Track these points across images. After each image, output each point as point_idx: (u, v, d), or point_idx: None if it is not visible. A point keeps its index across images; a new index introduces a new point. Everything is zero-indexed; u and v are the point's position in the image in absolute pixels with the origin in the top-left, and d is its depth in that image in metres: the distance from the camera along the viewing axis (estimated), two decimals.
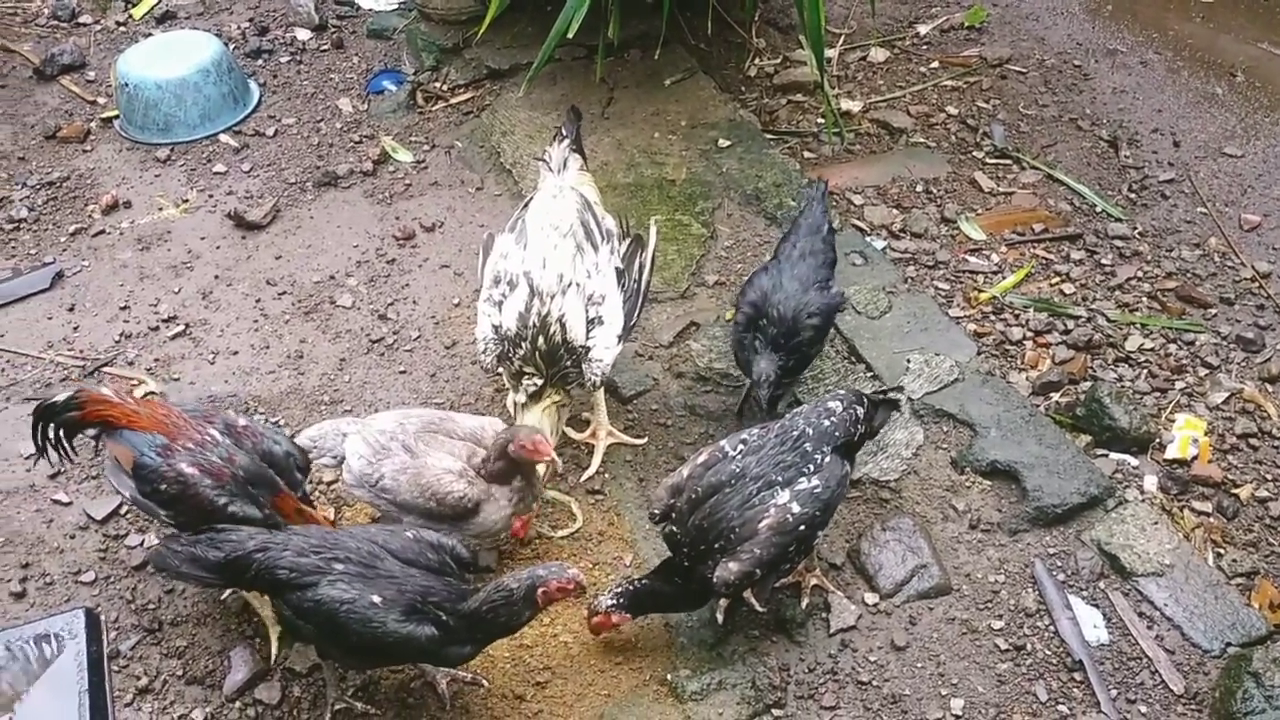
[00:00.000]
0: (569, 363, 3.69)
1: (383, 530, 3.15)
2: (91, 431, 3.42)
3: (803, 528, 3.21)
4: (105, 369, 4.38)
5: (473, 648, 3.09)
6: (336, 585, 2.97)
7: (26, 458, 3.96)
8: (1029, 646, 3.49)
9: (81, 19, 6.39)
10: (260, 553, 3.03)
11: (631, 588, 3.33)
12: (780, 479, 3.23)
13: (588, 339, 3.70)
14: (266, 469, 3.25)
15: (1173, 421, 4.18)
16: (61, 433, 3.41)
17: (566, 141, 4.15)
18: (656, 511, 3.35)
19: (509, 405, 3.91)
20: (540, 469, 3.54)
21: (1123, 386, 4.29)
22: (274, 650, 3.44)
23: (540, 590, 3.03)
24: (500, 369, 3.80)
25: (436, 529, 3.29)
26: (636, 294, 3.86)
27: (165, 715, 3.33)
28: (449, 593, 3.04)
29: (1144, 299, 4.72)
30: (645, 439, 4.07)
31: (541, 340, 3.66)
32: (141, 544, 3.74)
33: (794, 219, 4.21)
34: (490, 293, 3.82)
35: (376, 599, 2.95)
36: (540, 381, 3.69)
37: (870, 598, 3.60)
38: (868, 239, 4.89)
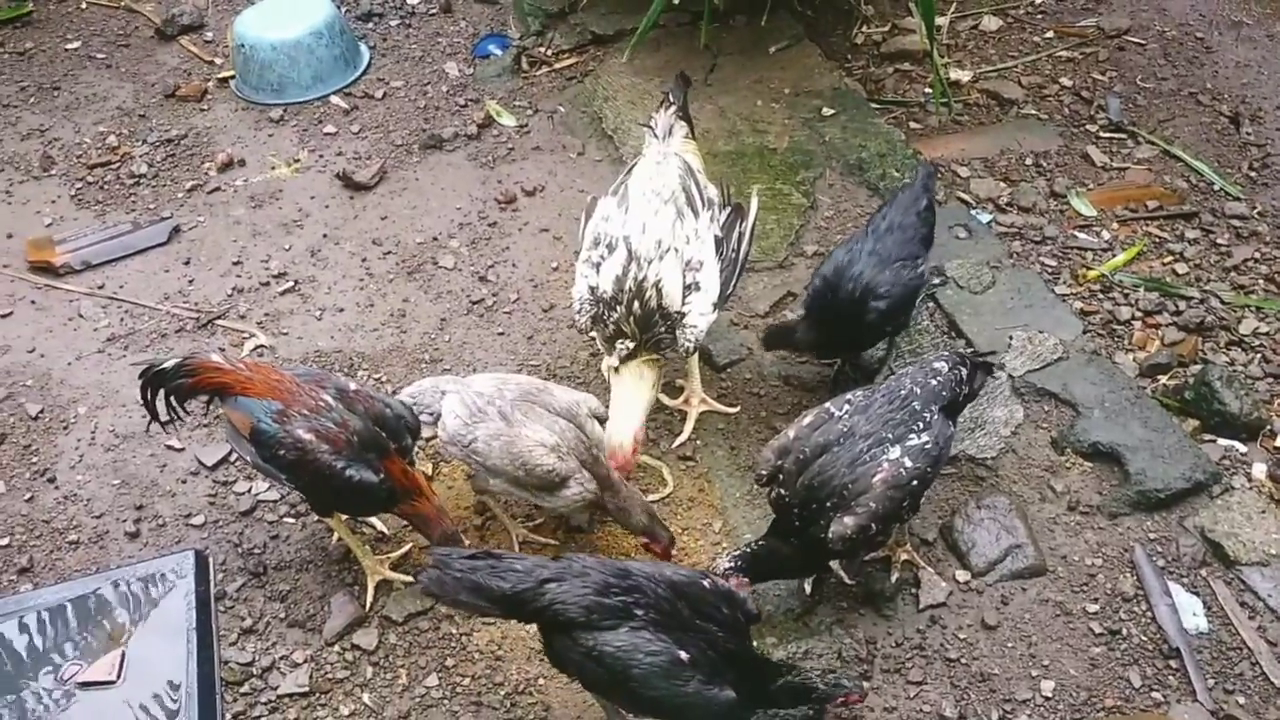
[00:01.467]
0: (663, 329, 3.71)
1: (676, 571, 2.94)
2: (204, 398, 3.48)
3: (915, 482, 3.20)
4: (218, 321, 4.53)
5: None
6: (640, 634, 2.77)
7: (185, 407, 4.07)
8: (1124, 631, 3.42)
9: None
10: (553, 583, 2.83)
11: (750, 550, 3.30)
12: (890, 435, 3.23)
13: (683, 305, 3.71)
14: (379, 432, 3.30)
15: None
16: (173, 399, 3.44)
17: (673, 108, 4.14)
18: (763, 474, 3.34)
19: (604, 369, 3.95)
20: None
21: (1234, 371, 4.15)
22: (369, 598, 3.54)
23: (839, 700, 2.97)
24: (594, 331, 3.83)
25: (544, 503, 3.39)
26: (734, 263, 3.85)
27: (267, 656, 3.46)
28: (742, 650, 2.88)
29: (1261, 281, 4.55)
30: (738, 408, 4.07)
31: (637, 305, 3.68)
32: (249, 491, 3.88)
33: (894, 192, 4.15)
34: (589, 254, 3.84)
35: (684, 656, 2.76)
36: (633, 345, 3.71)
37: (962, 575, 3.57)
38: (973, 212, 4.80)
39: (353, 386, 3.39)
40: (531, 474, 3.40)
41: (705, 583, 2.92)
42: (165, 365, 3.40)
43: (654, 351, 3.76)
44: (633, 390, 3.71)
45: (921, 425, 3.25)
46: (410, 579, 3.58)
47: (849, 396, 3.36)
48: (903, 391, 3.32)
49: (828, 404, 3.37)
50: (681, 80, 4.29)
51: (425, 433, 3.95)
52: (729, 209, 3.94)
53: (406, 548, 3.70)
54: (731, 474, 3.89)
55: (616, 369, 3.75)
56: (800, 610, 3.49)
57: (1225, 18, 5.98)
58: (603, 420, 3.60)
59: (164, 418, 3.50)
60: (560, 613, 2.82)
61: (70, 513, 3.88)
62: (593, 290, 3.77)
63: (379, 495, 3.30)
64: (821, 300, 3.82)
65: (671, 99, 4.19)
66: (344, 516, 3.58)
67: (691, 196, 3.86)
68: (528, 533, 3.70)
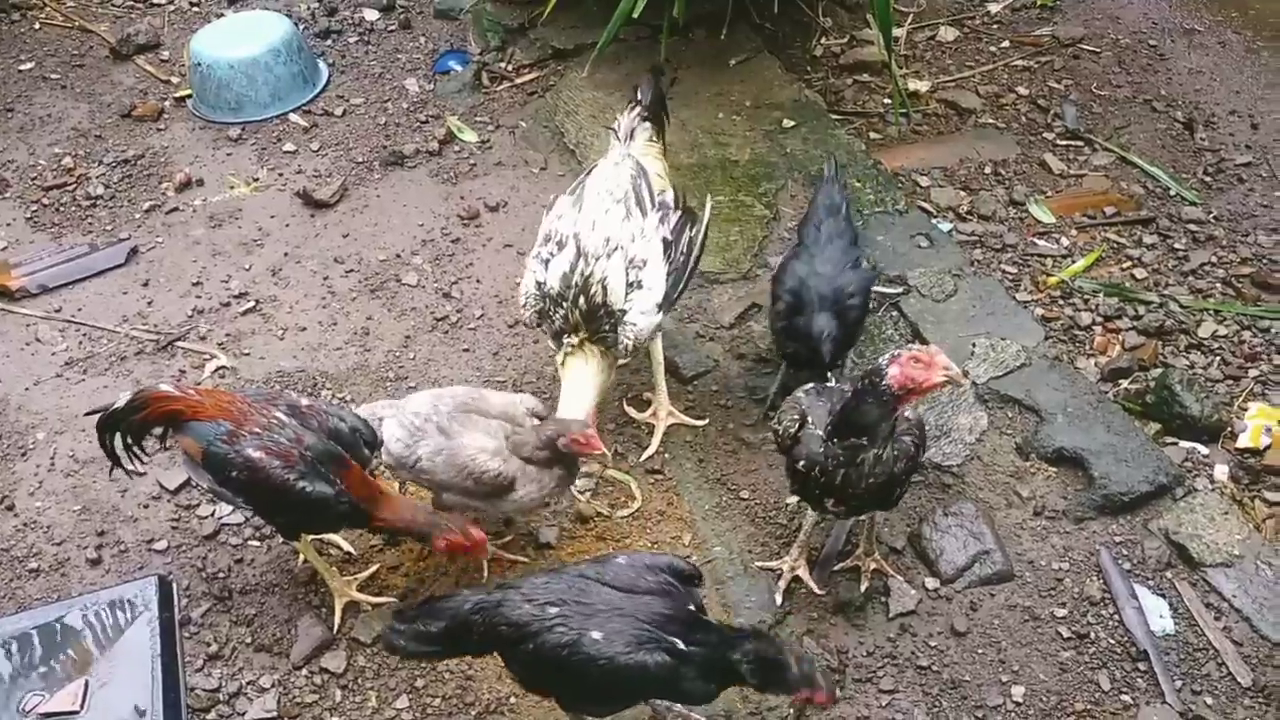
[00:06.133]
0: (607, 326, 3.70)
1: (592, 565, 2.99)
2: (158, 431, 3.40)
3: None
4: (178, 343, 4.48)
5: (717, 689, 2.90)
6: (555, 630, 2.82)
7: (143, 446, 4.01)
8: (1092, 635, 3.45)
9: (156, 0, 6.51)
10: (478, 614, 2.93)
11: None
12: None
13: (625, 302, 3.70)
14: (334, 446, 3.25)
15: (1245, 410, 4.09)
16: (129, 438, 3.40)
17: (636, 110, 4.14)
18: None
19: (556, 365, 3.92)
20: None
21: (1194, 374, 4.20)
22: (337, 621, 3.51)
23: (802, 698, 2.91)
24: (541, 326, 3.82)
25: (479, 509, 3.37)
26: (683, 268, 3.84)
27: (234, 681, 3.41)
28: (679, 616, 2.86)
29: (1218, 285, 4.61)
30: (706, 420, 4.07)
31: (582, 300, 3.67)
32: (212, 514, 3.84)
33: (812, 201, 4.16)
34: (540, 250, 3.85)
35: (597, 635, 2.80)
36: (578, 340, 3.71)
37: (931, 583, 3.58)
38: (934, 221, 4.83)
39: (305, 402, 3.35)
40: (480, 481, 3.39)
41: (621, 559, 2.97)
42: (117, 405, 3.35)
43: (600, 345, 3.74)
44: (580, 375, 3.68)
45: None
46: (379, 600, 3.55)
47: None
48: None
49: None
50: (654, 75, 4.28)
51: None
52: (680, 213, 3.94)
53: (373, 568, 3.66)
54: (700, 486, 3.89)
55: (563, 362, 3.74)
56: (771, 621, 3.49)
57: (1177, 25, 6.07)
58: (542, 417, 3.60)
59: (127, 465, 3.46)
60: (492, 634, 2.91)
61: (30, 540, 3.82)
62: (539, 286, 3.77)
63: (337, 508, 3.23)
64: (795, 312, 3.80)
65: (639, 95, 4.18)
66: (310, 538, 3.55)
67: (641, 197, 3.86)
68: (497, 550, 3.67)
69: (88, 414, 3.64)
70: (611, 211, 3.81)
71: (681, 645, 2.80)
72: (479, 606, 2.93)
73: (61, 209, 5.15)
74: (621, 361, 3.91)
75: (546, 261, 3.79)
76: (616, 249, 3.72)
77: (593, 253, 3.72)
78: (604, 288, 3.67)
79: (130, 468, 3.49)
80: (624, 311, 3.69)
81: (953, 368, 2.88)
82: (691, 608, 2.91)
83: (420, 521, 3.29)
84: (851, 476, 3.09)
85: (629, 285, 3.71)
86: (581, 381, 3.69)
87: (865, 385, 2.96)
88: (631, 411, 4.11)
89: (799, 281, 3.83)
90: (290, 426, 3.24)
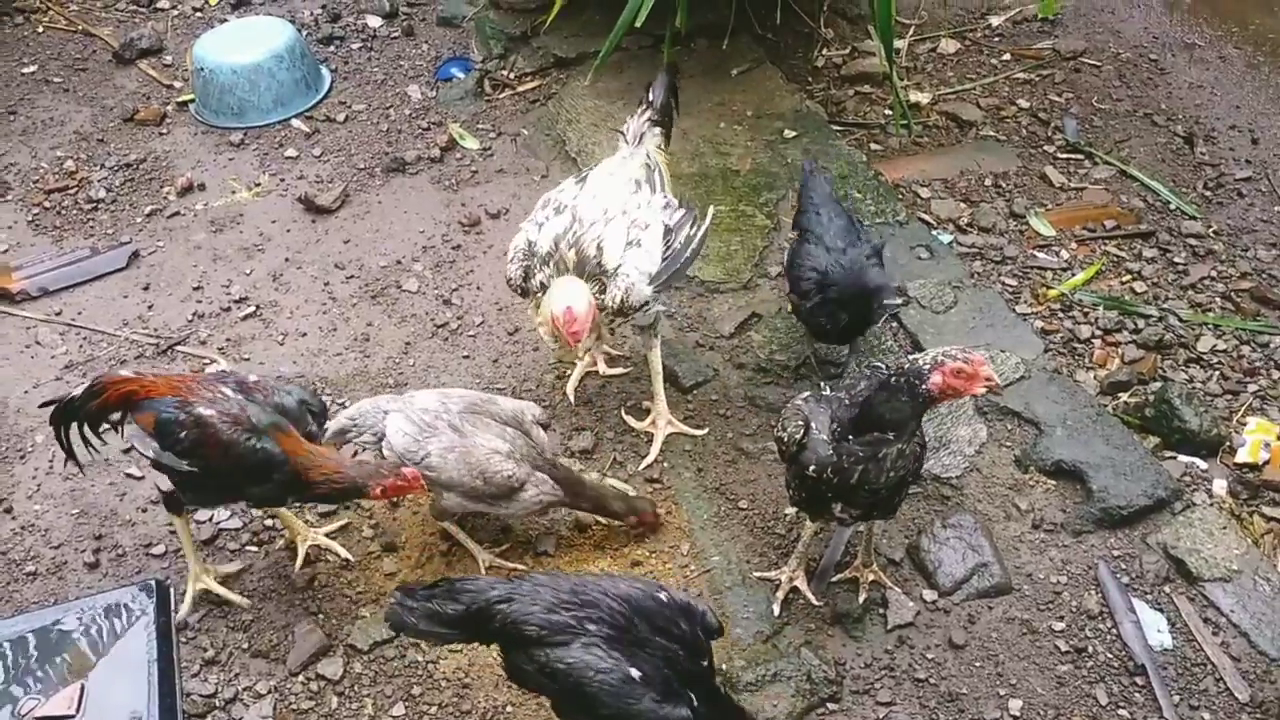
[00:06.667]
0: (598, 285, 3.65)
1: (632, 585, 2.89)
2: (116, 416, 3.42)
3: None
4: (178, 347, 4.48)
5: None
6: (593, 651, 2.75)
7: (100, 433, 4.04)
8: (1090, 649, 3.45)
9: (159, 4, 6.51)
10: (504, 604, 2.84)
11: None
12: None
13: (621, 257, 3.66)
14: (278, 417, 3.28)
15: (1244, 424, 4.09)
16: (85, 426, 3.43)
17: (647, 114, 4.14)
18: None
19: (536, 326, 3.88)
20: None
21: (1193, 388, 4.21)
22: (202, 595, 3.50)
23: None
24: (525, 283, 3.77)
25: (486, 505, 3.39)
26: (676, 258, 3.81)
27: (231, 686, 3.41)
28: (701, 674, 2.82)
29: (1217, 299, 4.62)
30: (705, 429, 4.07)
31: (573, 253, 3.66)
32: (210, 519, 3.83)
33: (803, 196, 4.22)
34: (536, 214, 3.86)
35: (635, 674, 2.73)
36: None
37: (929, 595, 3.58)
38: (934, 233, 4.84)
39: (252, 378, 3.39)
40: (490, 482, 3.41)
41: (661, 595, 2.87)
42: (74, 394, 3.39)
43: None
44: (568, 285, 3.62)
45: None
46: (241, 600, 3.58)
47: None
48: None
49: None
50: (668, 73, 4.28)
51: (366, 456, 3.92)
52: (684, 209, 3.93)
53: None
54: (699, 496, 3.89)
55: (539, 302, 3.70)
56: (769, 632, 3.49)
57: (1178, 40, 6.08)
58: (546, 425, 3.65)
59: (81, 458, 3.49)
60: (513, 631, 2.83)
61: (28, 543, 3.81)
62: (530, 244, 3.76)
63: (280, 471, 3.23)
64: (823, 289, 3.91)
65: (651, 97, 4.18)
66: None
67: (651, 181, 3.91)
68: (494, 558, 3.67)
69: (41, 405, 3.63)
70: (616, 188, 3.82)
71: (698, 705, 2.78)
72: (508, 596, 2.86)
73: (63, 212, 5.15)
74: (612, 326, 3.89)
75: (540, 225, 3.79)
76: (619, 214, 3.72)
77: (589, 219, 3.71)
78: (599, 247, 3.65)
79: (82, 460, 3.54)
80: (618, 267, 3.65)
81: (994, 379, 2.90)
82: (706, 664, 2.88)
83: (353, 474, 3.26)
84: (871, 473, 3.08)
85: (628, 244, 3.68)
86: (571, 286, 3.61)
87: (901, 384, 2.95)
88: (630, 420, 4.11)
89: (820, 263, 3.93)
90: (235, 400, 3.28)
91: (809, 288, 3.94)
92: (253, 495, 3.40)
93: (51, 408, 3.44)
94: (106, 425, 3.45)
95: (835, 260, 3.92)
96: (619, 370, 4.30)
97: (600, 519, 3.77)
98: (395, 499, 3.47)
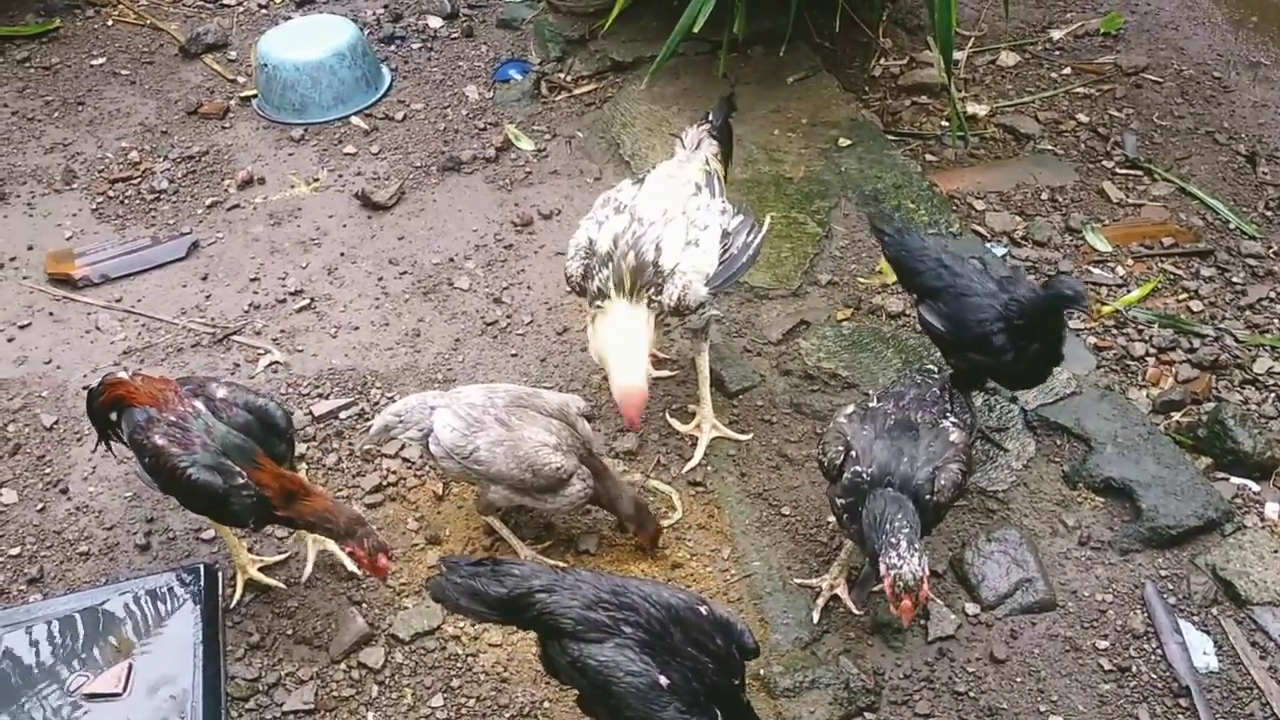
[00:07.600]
0: (653, 289, 3.66)
1: (675, 594, 2.89)
2: (114, 416, 3.52)
3: None
4: (234, 337, 4.56)
5: None
6: (625, 653, 2.77)
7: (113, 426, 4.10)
8: (1134, 669, 3.40)
9: (226, 0, 6.64)
10: (544, 593, 2.87)
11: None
12: None
13: (680, 256, 3.69)
14: (245, 440, 3.29)
15: None
16: (98, 420, 3.59)
17: (706, 126, 4.18)
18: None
19: (587, 328, 3.89)
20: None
21: (1248, 410, 4.14)
22: (238, 596, 3.53)
23: None
24: (584, 282, 3.79)
25: (534, 501, 3.43)
26: (732, 261, 3.82)
27: (274, 671, 3.46)
28: (729, 691, 2.81)
29: (1276, 320, 4.54)
30: (750, 435, 4.07)
31: (632, 255, 3.68)
32: None
33: (909, 259, 3.75)
34: (595, 212, 3.90)
35: (664, 681, 2.74)
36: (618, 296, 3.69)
37: (971, 608, 3.55)
38: (988, 245, 4.81)
39: (221, 394, 3.40)
40: (539, 474, 3.44)
41: (702, 609, 2.87)
42: (93, 386, 3.55)
43: (643, 300, 3.69)
44: (624, 329, 3.63)
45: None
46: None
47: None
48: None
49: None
50: (725, 104, 4.34)
51: (413, 452, 3.95)
52: (742, 215, 3.94)
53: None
54: (741, 500, 3.89)
55: (594, 320, 3.72)
56: (808, 639, 3.48)
57: (1243, 58, 5.99)
58: (590, 419, 3.68)
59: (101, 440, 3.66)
60: (550, 621, 2.85)
61: (82, 524, 3.90)
62: (591, 242, 3.79)
63: (235, 500, 3.24)
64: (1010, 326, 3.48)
65: (711, 118, 4.23)
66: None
67: (711, 184, 3.93)
68: (536, 554, 3.70)
69: (85, 387, 3.79)
70: (675, 190, 3.85)
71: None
72: (549, 587, 2.88)
73: (126, 202, 5.26)
74: (665, 327, 3.93)
75: (600, 223, 3.83)
76: (678, 215, 3.76)
77: (648, 218, 3.75)
78: (658, 248, 3.68)
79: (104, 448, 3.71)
80: (675, 266, 3.67)
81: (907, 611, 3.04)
82: (736, 682, 2.86)
83: (340, 522, 3.27)
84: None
85: (686, 244, 3.71)
86: (626, 338, 3.64)
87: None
88: (675, 423, 4.12)
89: (987, 311, 3.49)
90: (204, 417, 3.32)
91: (993, 329, 3.46)
92: (224, 519, 3.43)
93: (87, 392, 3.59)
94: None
95: (1010, 298, 3.47)
96: (666, 373, 4.31)
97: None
98: (362, 566, 3.43)
